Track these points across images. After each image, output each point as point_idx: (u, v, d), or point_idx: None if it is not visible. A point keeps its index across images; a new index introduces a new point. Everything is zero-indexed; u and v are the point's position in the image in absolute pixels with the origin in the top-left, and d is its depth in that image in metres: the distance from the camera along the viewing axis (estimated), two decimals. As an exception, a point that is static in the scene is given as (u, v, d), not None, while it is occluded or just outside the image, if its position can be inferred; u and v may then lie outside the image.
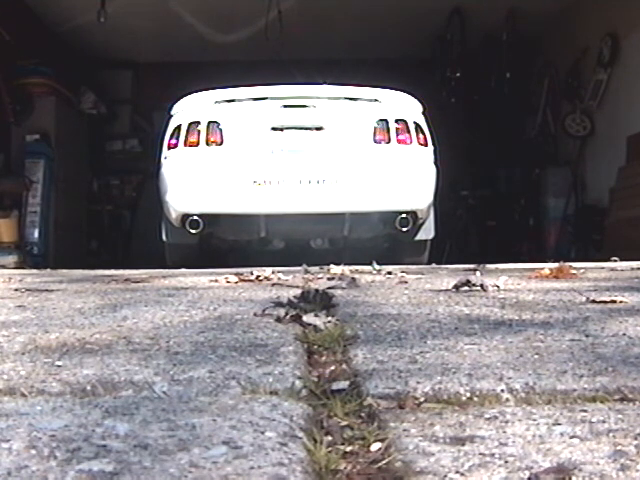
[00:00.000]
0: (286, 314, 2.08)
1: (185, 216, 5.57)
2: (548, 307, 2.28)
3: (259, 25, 9.56)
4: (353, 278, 3.11)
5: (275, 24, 9.34)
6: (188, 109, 5.82)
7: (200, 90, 5.90)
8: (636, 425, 1.17)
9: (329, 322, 2.00)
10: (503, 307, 2.29)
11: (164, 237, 6.02)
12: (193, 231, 5.57)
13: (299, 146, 5.61)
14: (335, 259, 4.30)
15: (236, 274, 3.35)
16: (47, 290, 2.97)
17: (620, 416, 1.22)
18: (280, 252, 6.22)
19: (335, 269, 3.68)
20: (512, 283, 2.99)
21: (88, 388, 1.41)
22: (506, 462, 1.04)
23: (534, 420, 1.21)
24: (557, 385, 1.39)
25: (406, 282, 3.12)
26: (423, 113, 5.95)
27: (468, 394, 1.35)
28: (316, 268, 3.84)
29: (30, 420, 1.18)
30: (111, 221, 11.47)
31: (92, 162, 11.05)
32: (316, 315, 2.09)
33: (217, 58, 10.74)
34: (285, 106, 5.67)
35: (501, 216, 10.95)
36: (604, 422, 1.19)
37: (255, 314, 2.16)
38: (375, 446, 1.14)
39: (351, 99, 5.79)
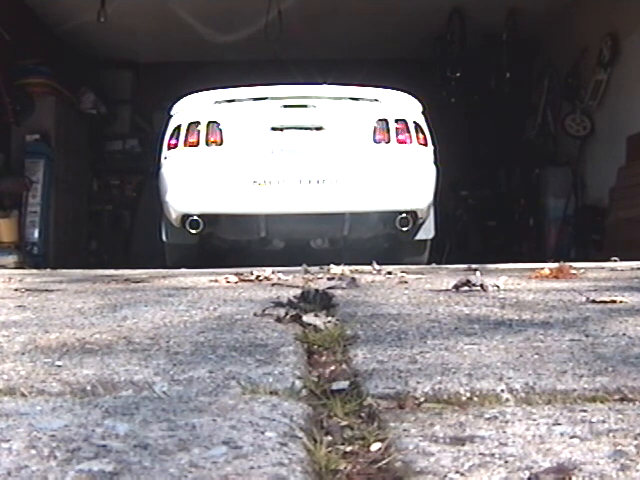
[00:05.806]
0: (286, 314, 2.08)
1: (185, 216, 5.57)
2: (548, 307, 2.28)
3: (259, 25, 9.57)
4: (353, 278, 3.10)
5: (275, 24, 9.34)
6: (188, 109, 5.82)
7: (200, 90, 5.89)
8: (636, 425, 1.17)
9: (329, 322, 2.00)
10: (503, 307, 2.29)
11: (164, 237, 6.02)
12: (193, 231, 5.57)
13: (299, 146, 5.61)
14: (335, 259, 4.30)
15: (236, 274, 3.35)
16: (47, 290, 2.97)
17: (620, 416, 1.22)
18: (280, 252, 6.22)
19: (335, 269, 3.68)
20: (512, 283, 2.99)
21: (88, 388, 1.41)
22: (506, 462, 1.03)
23: (534, 420, 1.21)
24: (557, 385, 1.39)
25: (406, 282, 3.12)
26: (423, 113, 5.95)
27: (468, 394, 1.35)
28: (316, 268, 3.84)
29: (30, 420, 1.18)
30: (111, 221, 11.47)
31: (92, 162, 11.04)
32: (316, 315, 2.08)
33: (217, 58, 10.74)
34: (285, 106, 5.66)
35: (501, 216, 10.95)
36: (604, 422, 1.19)
37: (255, 314, 2.15)
38: (375, 446, 1.14)
39: (351, 99, 5.78)
